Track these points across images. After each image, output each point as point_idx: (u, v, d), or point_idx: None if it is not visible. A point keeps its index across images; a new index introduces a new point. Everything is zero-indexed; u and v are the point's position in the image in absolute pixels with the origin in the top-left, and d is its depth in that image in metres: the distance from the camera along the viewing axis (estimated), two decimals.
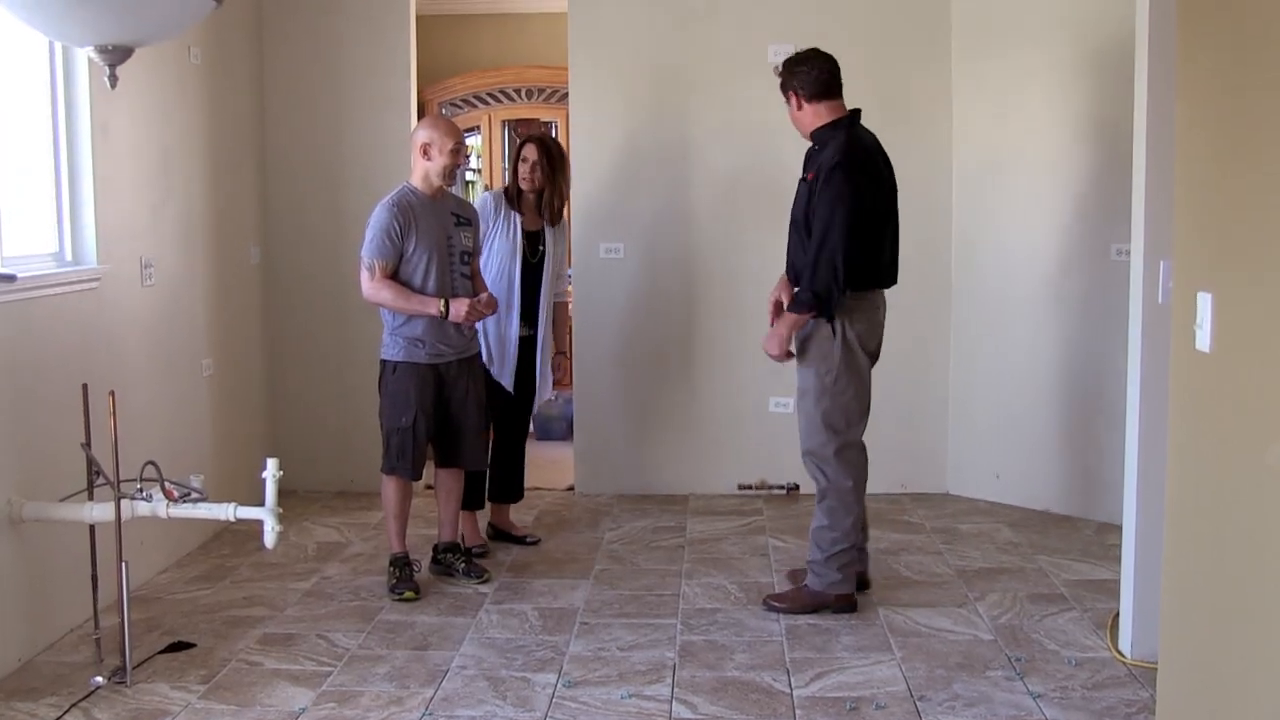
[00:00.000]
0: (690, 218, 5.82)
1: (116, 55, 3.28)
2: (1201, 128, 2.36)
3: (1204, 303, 2.27)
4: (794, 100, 4.12)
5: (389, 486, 4.53)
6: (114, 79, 3.34)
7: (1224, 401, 2.22)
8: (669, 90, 5.77)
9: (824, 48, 5.55)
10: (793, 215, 4.20)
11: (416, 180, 4.46)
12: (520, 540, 5.13)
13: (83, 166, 4.26)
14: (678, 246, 5.83)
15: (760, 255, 5.75)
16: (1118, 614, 3.92)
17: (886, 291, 4.24)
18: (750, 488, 5.87)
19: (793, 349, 4.16)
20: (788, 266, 4.26)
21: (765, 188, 5.74)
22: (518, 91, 8.32)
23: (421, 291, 4.38)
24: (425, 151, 4.41)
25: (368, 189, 5.75)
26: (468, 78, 8.24)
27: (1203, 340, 2.28)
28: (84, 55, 4.00)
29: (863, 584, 4.33)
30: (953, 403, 5.72)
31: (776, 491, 5.85)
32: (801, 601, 4.22)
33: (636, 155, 5.81)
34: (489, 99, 8.28)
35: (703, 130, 5.77)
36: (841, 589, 4.18)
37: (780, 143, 5.70)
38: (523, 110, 8.43)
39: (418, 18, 5.98)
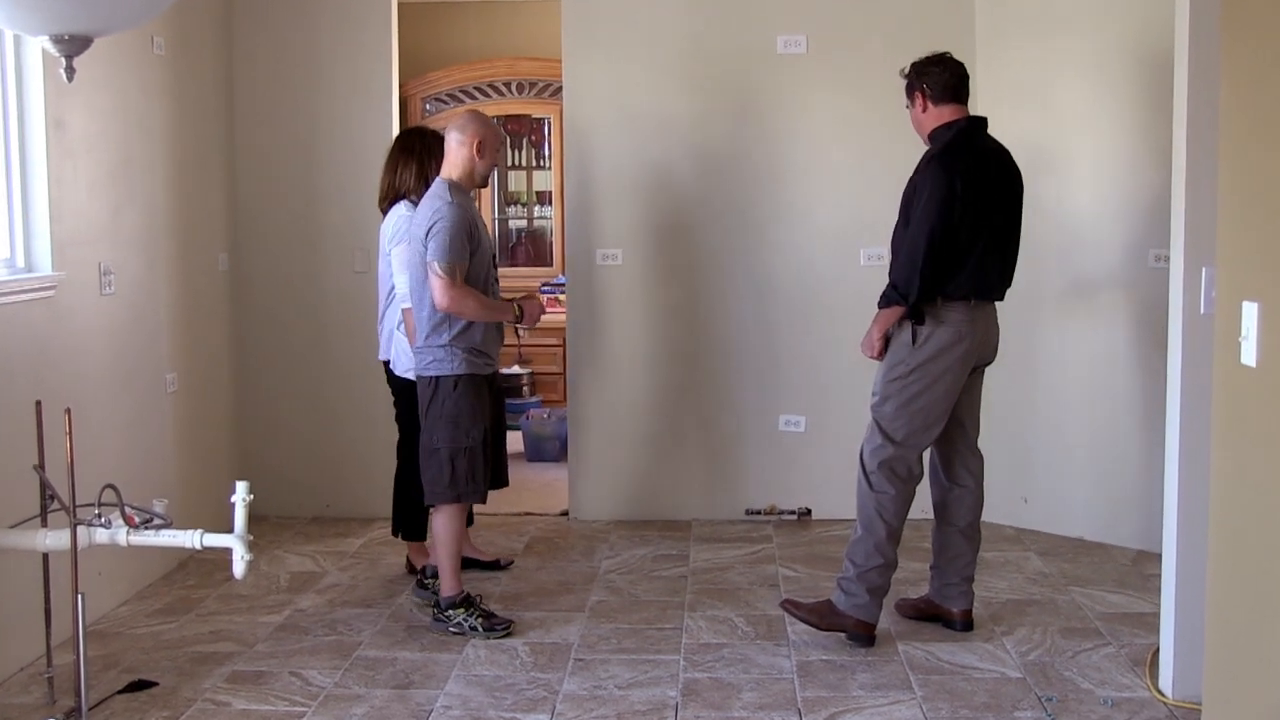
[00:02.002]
0: (694, 221, 5.81)
1: (74, 45, 3.28)
2: (1247, 122, 2.36)
3: (1250, 313, 2.26)
4: (919, 101, 4.26)
5: (453, 519, 4.43)
6: (71, 71, 3.33)
7: (1272, 419, 2.21)
8: (671, 83, 5.77)
9: (837, 37, 5.67)
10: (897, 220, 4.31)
11: (459, 177, 4.40)
12: (493, 565, 5.13)
13: (36, 166, 4.26)
14: (681, 252, 5.83)
15: (770, 261, 5.77)
16: (1157, 650, 3.91)
17: None
18: (759, 513, 5.85)
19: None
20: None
21: (776, 189, 5.75)
22: (508, 85, 8.34)
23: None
24: (479, 149, 4.38)
25: (345, 190, 5.77)
26: (453, 71, 8.26)
27: (1248, 353, 2.27)
28: (37, 45, 4.00)
29: (966, 624, 4.34)
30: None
31: (787, 517, 5.83)
32: (819, 614, 4.25)
33: (636, 154, 5.81)
34: (477, 93, 8.30)
35: (708, 127, 5.77)
36: (864, 615, 4.19)
37: (793, 141, 5.73)
38: (513, 106, 8.45)
39: (399, 5, 5.99)
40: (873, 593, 4.19)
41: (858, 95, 5.63)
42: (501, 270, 5.07)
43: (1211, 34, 3.36)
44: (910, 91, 4.28)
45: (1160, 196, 4.26)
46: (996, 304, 4.31)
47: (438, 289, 4.24)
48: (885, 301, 4.17)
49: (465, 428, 4.33)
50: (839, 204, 5.72)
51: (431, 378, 4.36)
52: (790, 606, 4.33)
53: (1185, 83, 3.62)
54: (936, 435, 4.24)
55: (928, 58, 4.27)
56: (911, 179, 4.24)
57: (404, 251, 4.61)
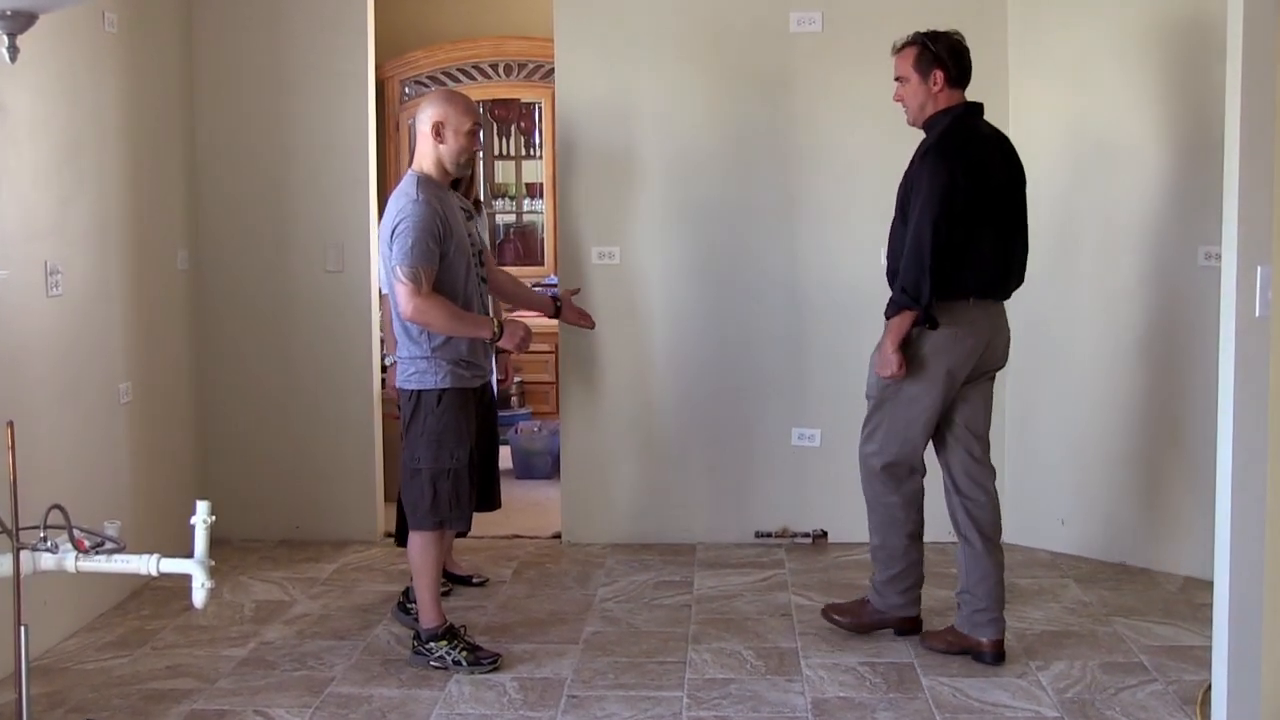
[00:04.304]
0: (698, 216, 5.81)
1: (17, 22, 3.26)
2: None
3: None
4: (937, 79, 4.25)
5: (431, 545, 4.39)
6: (14, 50, 3.32)
7: None
8: (674, 64, 5.77)
9: (855, 13, 5.68)
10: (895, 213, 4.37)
11: (429, 167, 4.35)
12: (464, 580, 5.19)
13: None
14: (684, 250, 5.83)
15: (782, 259, 5.77)
16: (1209, 687, 3.90)
17: None
18: (769, 536, 5.85)
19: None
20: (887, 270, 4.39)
21: (788, 180, 5.75)
22: (494, 67, 8.35)
23: (459, 305, 4.31)
24: (437, 132, 4.31)
25: (316, 182, 5.77)
26: (435, 51, 8.27)
27: None
28: None
29: (998, 656, 4.35)
30: (1009, 435, 5.69)
31: (801, 540, 5.83)
32: (862, 617, 4.51)
33: (635, 142, 5.81)
34: (460, 75, 8.31)
35: (715, 112, 5.78)
36: (905, 612, 4.46)
37: (807, 127, 5.74)
38: (501, 89, 8.46)
39: None
40: (906, 592, 4.46)
41: (877, 77, 5.56)
42: None
43: (1268, 11, 3.35)
44: (926, 65, 4.25)
45: (1210, 188, 4.25)
46: (1005, 304, 4.38)
47: (401, 296, 4.21)
48: (894, 309, 4.20)
49: (449, 448, 4.31)
50: (857, 196, 5.71)
51: (412, 391, 4.34)
52: (833, 614, 4.56)
53: (1239, 62, 3.61)
54: (931, 435, 4.36)
55: (944, 32, 4.29)
56: (907, 173, 4.30)
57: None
